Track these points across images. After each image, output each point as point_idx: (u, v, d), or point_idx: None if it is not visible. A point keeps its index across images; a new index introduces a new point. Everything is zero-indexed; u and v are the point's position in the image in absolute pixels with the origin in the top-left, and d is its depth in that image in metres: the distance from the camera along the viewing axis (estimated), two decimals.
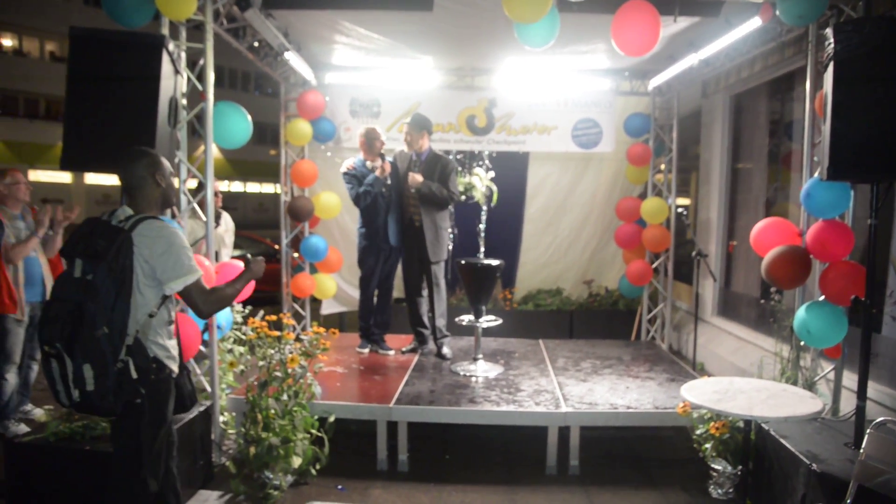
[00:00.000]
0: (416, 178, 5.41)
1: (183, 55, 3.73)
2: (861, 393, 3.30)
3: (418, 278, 5.78)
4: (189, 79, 3.93)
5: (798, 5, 3.70)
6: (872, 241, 3.28)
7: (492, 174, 5.64)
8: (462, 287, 7.39)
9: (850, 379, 4.13)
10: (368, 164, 5.57)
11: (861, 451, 2.78)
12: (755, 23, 4.41)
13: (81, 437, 3.51)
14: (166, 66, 3.32)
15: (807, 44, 4.27)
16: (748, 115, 6.54)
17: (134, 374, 2.57)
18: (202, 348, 4.18)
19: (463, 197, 5.62)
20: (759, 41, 4.96)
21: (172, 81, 3.46)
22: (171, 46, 3.36)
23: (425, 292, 5.83)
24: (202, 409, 3.97)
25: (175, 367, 2.78)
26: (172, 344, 2.78)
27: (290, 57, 5.48)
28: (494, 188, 5.70)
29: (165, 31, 3.74)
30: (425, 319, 5.90)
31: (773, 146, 6.20)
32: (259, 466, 3.79)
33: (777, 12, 3.84)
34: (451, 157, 5.86)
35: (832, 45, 3.14)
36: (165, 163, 2.80)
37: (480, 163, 5.93)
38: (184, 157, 4.04)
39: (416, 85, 6.76)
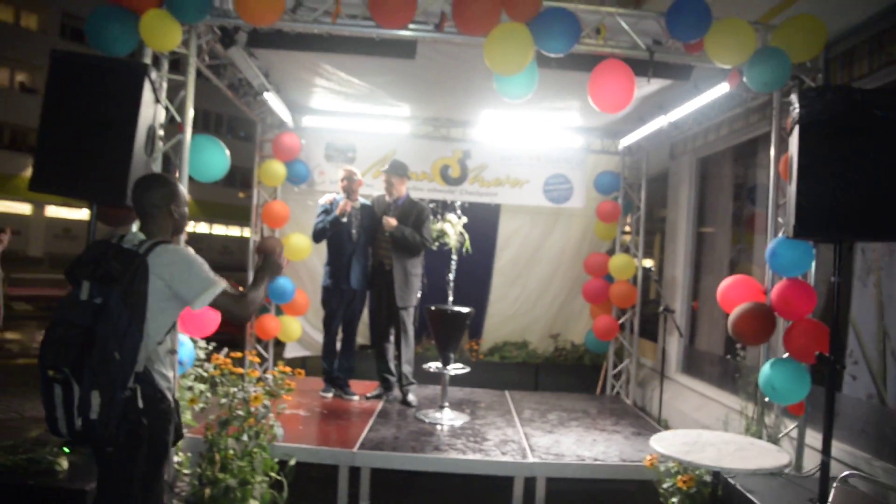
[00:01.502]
0: (391, 221, 5.43)
1: (164, 85, 3.73)
2: (826, 449, 3.32)
3: (386, 323, 5.72)
4: (168, 110, 3.92)
5: (764, 73, 3.87)
6: (836, 298, 3.37)
7: (464, 220, 5.68)
8: (429, 335, 7.34)
9: (811, 437, 4.18)
10: (342, 203, 5.59)
11: None
12: (723, 88, 4.61)
13: (25, 472, 3.32)
14: (147, 94, 3.29)
15: (771, 110, 4.46)
16: (713, 178, 6.76)
17: (140, 403, 2.49)
18: None
19: (436, 244, 5.64)
20: (725, 106, 5.18)
21: (152, 110, 3.43)
22: (153, 75, 3.35)
23: (392, 338, 5.77)
24: None
25: (171, 399, 2.68)
26: (171, 375, 2.69)
27: (269, 98, 5.52)
28: (466, 235, 5.74)
29: (148, 61, 3.75)
30: (391, 366, 5.82)
31: (736, 209, 6.40)
32: None
33: (744, 79, 4.02)
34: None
35: (797, 110, 3.28)
36: (182, 192, 2.79)
37: (454, 210, 5.98)
38: None
39: (392, 132, 6.86)
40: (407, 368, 5.72)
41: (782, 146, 4.26)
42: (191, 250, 2.68)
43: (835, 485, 2.79)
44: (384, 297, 5.60)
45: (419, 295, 5.85)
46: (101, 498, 2.60)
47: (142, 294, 2.47)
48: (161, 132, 3.86)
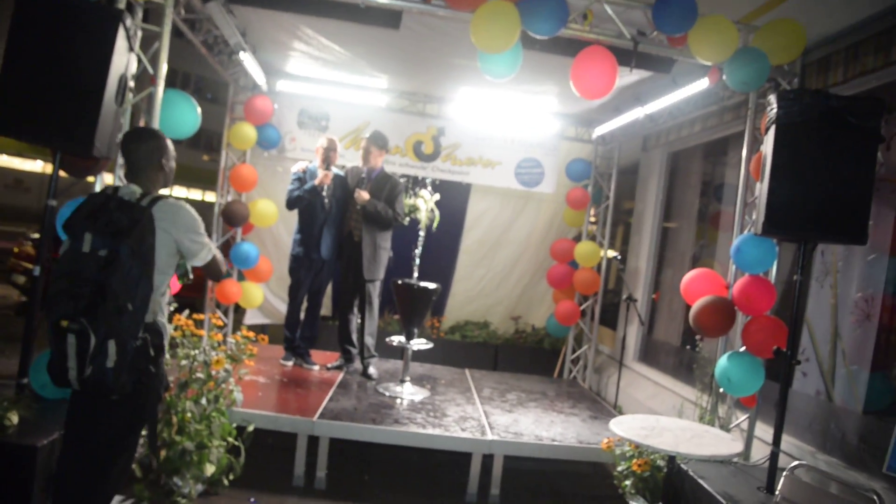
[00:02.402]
0: (363, 195, 5.38)
1: (139, 34, 3.59)
2: (776, 439, 3.44)
3: (351, 295, 5.69)
4: (140, 60, 3.78)
5: (743, 72, 3.92)
6: (797, 296, 3.46)
7: (437, 197, 5.65)
8: (392, 310, 7.33)
9: (761, 429, 4.32)
10: (319, 171, 5.51)
11: (776, 492, 2.89)
12: (702, 84, 4.66)
13: None
14: (121, 42, 3.16)
15: (746, 110, 4.54)
16: (682, 173, 6.86)
17: (151, 352, 2.57)
18: None
19: (407, 219, 5.60)
20: (701, 103, 5.25)
21: (125, 59, 3.29)
22: (128, 22, 3.22)
23: (356, 310, 5.74)
24: None
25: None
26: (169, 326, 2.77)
27: (245, 58, 5.36)
28: (437, 212, 5.72)
29: (121, 7, 3.60)
30: (354, 338, 5.80)
31: (702, 205, 6.52)
32: (169, 472, 3.58)
33: (724, 77, 4.07)
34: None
35: (775, 111, 3.34)
36: (171, 146, 2.83)
37: (426, 186, 5.95)
38: None
39: (367, 103, 6.75)
40: (369, 341, 5.70)
41: (755, 146, 4.35)
42: (192, 208, 2.71)
43: (784, 474, 2.89)
44: (351, 268, 5.56)
45: (385, 269, 5.82)
46: (101, 445, 2.60)
47: (151, 247, 2.53)
48: (132, 83, 3.73)
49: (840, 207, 3.21)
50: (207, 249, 2.72)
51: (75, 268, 2.44)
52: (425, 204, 5.53)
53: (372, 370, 5.65)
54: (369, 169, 5.60)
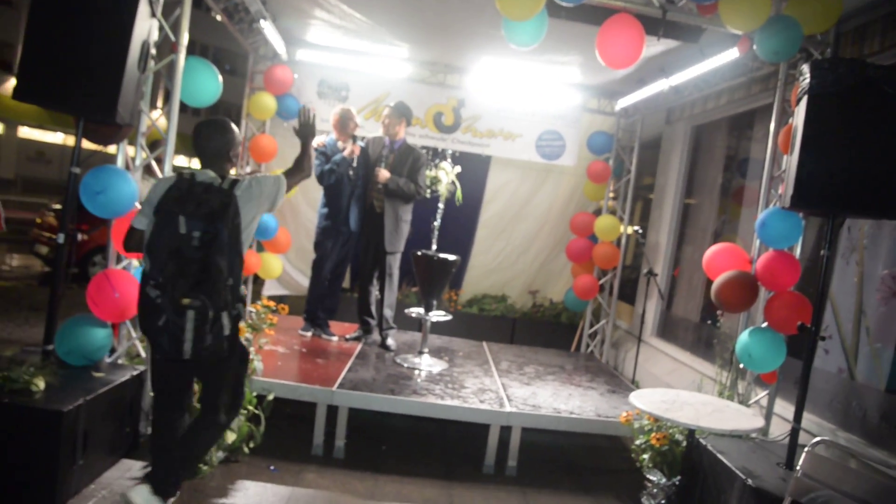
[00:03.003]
0: (384, 173, 5.37)
1: (161, 1, 3.56)
2: (798, 415, 3.42)
3: (372, 267, 5.70)
4: (162, 27, 3.75)
5: (775, 42, 3.82)
6: (823, 272, 3.41)
7: (458, 169, 5.60)
8: (410, 283, 7.34)
9: (780, 406, 4.30)
10: (339, 144, 5.48)
11: (797, 468, 2.87)
12: (732, 54, 4.55)
13: (0, 390, 3.27)
14: (143, 7, 3.15)
15: (776, 81, 4.43)
16: (706, 147, 6.75)
17: (242, 321, 3.01)
18: None
19: (428, 192, 5.57)
20: (728, 75, 5.13)
21: (147, 25, 3.28)
22: None
23: (376, 281, 5.76)
24: (135, 373, 3.77)
25: None
26: None
27: (265, 26, 5.32)
28: (458, 185, 5.67)
29: None
30: (373, 309, 5.82)
31: (725, 180, 6.42)
32: None
33: (754, 46, 3.97)
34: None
35: (807, 81, 3.25)
36: (239, 135, 3.11)
37: (447, 158, 5.90)
38: (146, 109, 3.85)
39: (387, 74, 6.69)
40: (388, 313, 5.72)
41: (784, 118, 4.25)
42: (258, 175, 3.08)
43: (805, 450, 2.86)
44: (372, 240, 5.56)
45: (405, 241, 5.81)
46: (221, 400, 3.03)
47: (238, 226, 2.84)
48: (154, 51, 3.71)
49: (871, 181, 3.13)
50: (283, 185, 3.10)
51: (176, 249, 2.70)
52: (447, 176, 5.48)
53: (390, 341, 5.68)
54: (391, 140, 5.56)
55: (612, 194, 7.27)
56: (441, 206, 5.67)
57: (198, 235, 2.71)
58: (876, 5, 3.89)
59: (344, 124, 5.50)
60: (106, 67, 3.07)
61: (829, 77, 3.15)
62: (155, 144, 4.17)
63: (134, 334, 4.18)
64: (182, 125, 4.09)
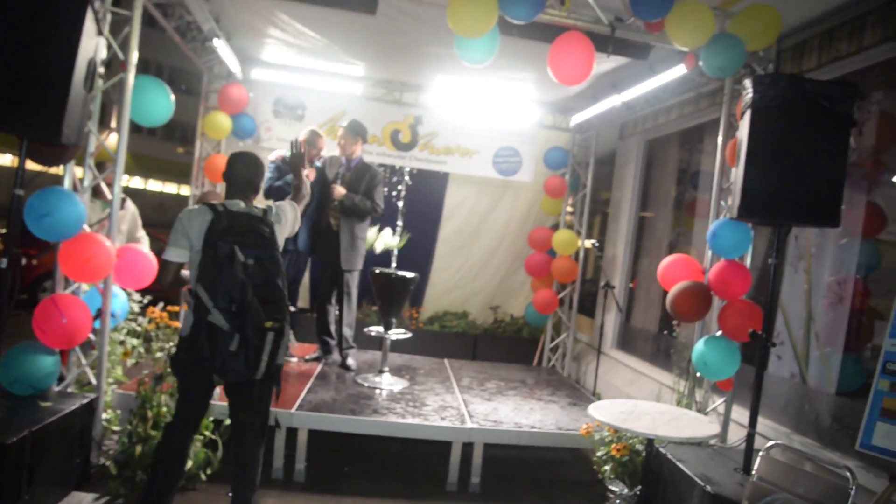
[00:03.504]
0: (339, 190, 5.34)
1: (108, 18, 3.49)
2: (752, 421, 3.49)
3: (329, 286, 5.65)
4: (110, 46, 3.69)
5: (719, 58, 3.94)
6: (772, 280, 3.50)
7: (397, 240, 5.56)
8: (370, 301, 7.29)
9: (737, 412, 4.37)
10: None
11: (752, 472, 2.93)
12: (678, 70, 4.68)
13: None
14: (89, 24, 3.07)
15: (722, 96, 4.57)
16: (659, 161, 6.90)
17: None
18: (91, 336, 3.85)
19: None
20: (677, 90, 5.27)
21: (94, 43, 3.20)
22: (96, 4, 3.13)
23: (334, 301, 5.71)
24: (85, 401, 3.64)
25: None
26: None
27: (219, 45, 5.28)
28: (395, 248, 5.65)
29: None
30: (332, 329, 5.75)
31: (678, 193, 6.57)
32: (144, 467, 3.52)
33: (700, 63, 4.09)
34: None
35: (750, 95, 3.36)
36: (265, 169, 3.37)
37: (397, 224, 5.91)
38: (94, 129, 3.76)
39: (343, 92, 6.68)
40: (348, 332, 5.67)
41: (731, 131, 4.38)
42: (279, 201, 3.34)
43: (760, 454, 2.92)
44: (329, 259, 5.51)
45: (363, 259, 5.78)
46: (261, 420, 3.17)
47: (279, 250, 3.09)
48: (101, 69, 3.64)
49: (813, 191, 3.24)
50: (298, 211, 3.39)
51: (240, 278, 2.87)
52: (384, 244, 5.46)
53: (350, 361, 5.62)
54: (348, 158, 5.55)
55: (570, 209, 7.37)
56: (400, 223, 5.67)
57: (252, 263, 2.91)
58: (813, 23, 4.06)
59: (308, 147, 5.43)
60: (50, 86, 2.98)
61: (771, 91, 3.27)
62: (101, 165, 4.08)
63: (84, 361, 4.04)
64: (138, 146, 4.02)
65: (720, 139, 4.47)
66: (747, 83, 3.38)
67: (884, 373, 2.80)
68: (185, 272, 3.16)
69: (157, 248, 10.91)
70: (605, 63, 4.83)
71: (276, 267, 3.00)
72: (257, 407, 3.15)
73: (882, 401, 2.76)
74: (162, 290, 4.95)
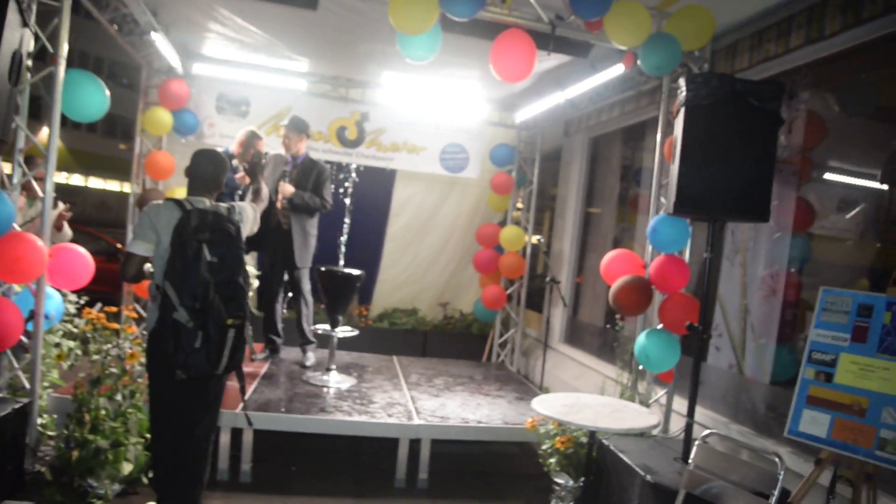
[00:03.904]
0: (288, 189, 5.28)
1: (34, 8, 3.36)
2: (690, 411, 3.59)
3: (279, 285, 5.58)
4: (38, 37, 3.55)
5: (656, 57, 4.03)
6: (707, 273, 3.62)
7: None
8: (317, 300, 7.22)
9: (678, 403, 4.49)
10: (235, 162, 5.32)
11: (689, 461, 3.02)
12: (618, 69, 4.77)
13: None
14: (12, 15, 2.95)
15: (660, 95, 4.68)
16: (603, 158, 7.03)
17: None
18: (24, 339, 3.71)
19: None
20: (618, 88, 5.37)
21: (18, 35, 3.08)
22: None
23: (281, 299, 5.65)
24: (17, 406, 3.52)
25: None
26: None
27: (157, 39, 5.13)
28: None
29: None
30: (279, 328, 5.69)
31: (622, 189, 6.70)
32: (82, 472, 3.41)
33: (638, 61, 4.18)
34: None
35: (684, 93, 3.46)
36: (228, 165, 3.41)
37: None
38: (22, 124, 3.62)
39: (288, 88, 6.58)
40: (306, 327, 5.63)
41: (668, 129, 4.49)
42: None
43: (696, 443, 3.02)
44: (279, 257, 5.44)
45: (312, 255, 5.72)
46: (211, 416, 3.22)
47: (242, 248, 3.15)
48: (29, 62, 3.50)
49: (744, 187, 3.36)
50: (257, 211, 3.48)
51: (206, 276, 2.91)
52: None
53: (310, 355, 5.58)
54: (293, 156, 5.48)
55: (520, 205, 7.44)
56: (347, 220, 5.63)
57: (216, 261, 2.96)
58: (744, 25, 4.20)
59: (245, 148, 5.32)
60: None
61: (703, 90, 3.37)
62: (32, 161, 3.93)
63: (16, 364, 3.89)
64: (77, 142, 3.88)
65: (658, 136, 4.58)
66: (681, 82, 3.48)
67: (809, 362, 2.92)
68: (149, 266, 3.15)
69: (101, 247, 10.59)
70: (547, 61, 4.89)
71: (239, 265, 3.07)
72: (212, 402, 3.20)
73: (808, 388, 2.88)
74: (99, 289, 4.85)
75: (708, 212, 3.46)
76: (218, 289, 2.95)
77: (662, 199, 4.57)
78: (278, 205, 5.41)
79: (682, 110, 3.45)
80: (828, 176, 4.28)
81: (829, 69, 3.95)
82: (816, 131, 4.10)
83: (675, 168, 3.47)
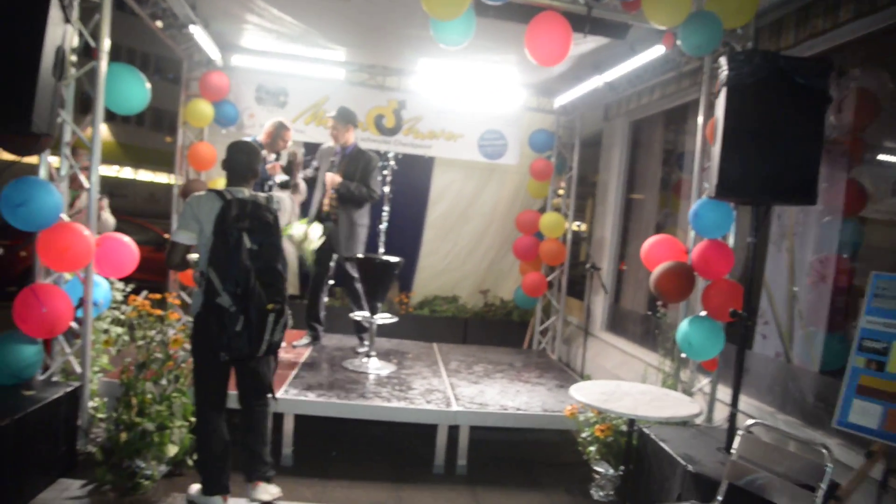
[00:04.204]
0: (335, 179, 5.33)
1: (75, 5, 3.44)
2: (734, 400, 3.50)
3: (324, 274, 5.66)
4: (81, 33, 3.64)
5: (696, 36, 3.91)
6: (751, 258, 3.50)
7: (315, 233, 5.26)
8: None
9: (723, 392, 4.38)
10: (264, 153, 5.38)
11: (733, 451, 2.94)
12: (658, 50, 4.65)
13: None
14: (55, 12, 3.03)
15: (702, 75, 4.54)
16: (645, 142, 6.88)
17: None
18: (74, 325, 3.84)
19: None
20: (659, 70, 5.24)
21: (61, 30, 3.16)
22: None
23: (326, 289, 5.74)
24: (69, 390, 3.66)
25: None
26: None
27: (196, 31, 5.22)
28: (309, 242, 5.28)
29: None
30: (322, 316, 5.77)
31: (665, 173, 6.55)
32: (130, 454, 3.52)
33: (678, 41, 4.06)
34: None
35: (725, 73, 3.34)
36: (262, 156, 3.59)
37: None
38: (68, 117, 3.72)
39: (326, 77, 6.62)
40: (359, 316, 5.69)
41: (710, 111, 4.35)
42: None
43: (740, 433, 2.94)
44: (325, 246, 5.51)
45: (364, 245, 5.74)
46: (260, 393, 3.50)
47: (280, 236, 3.33)
48: (74, 58, 3.59)
49: (790, 169, 3.23)
50: (293, 203, 3.84)
51: (248, 263, 3.10)
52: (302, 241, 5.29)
53: (366, 343, 5.65)
54: (342, 146, 5.53)
55: (561, 191, 7.33)
56: (386, 208, 5.64)
57: (256, 248, 3.15)
58: (789, 1, 4.02)
59: (274, 139, 5.38)
60: (17, 77, 2.95)
61: (745, 68, 3.25)
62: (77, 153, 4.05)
63: (68, 350, 4.03)
64: (126, 136, 4.00)
65: (700, 118, 4.45)
66: (722, 61, 3.35)
67: (860, 350, 2.81)
68: (193, 255, 3.36)
69: (149, 237, 10.90)
70: (584, 44, 4.79)
71: (278, 252, 3.25)
72: (260, 375, 3.46)
73: (858, 378, 2.78)
74: (147, 278, 4.98)
75: (751, 195, 3.34)
76: (258, 275, 3.13)
77: (705, 184, 4.44)
78: (326, 196, 5.47)
79: (724, 90, 3.33)
80: (882, 157, 4.09)
81: (882, 44, 3.75)
82: (868, 110, 3.92)
83: (716, 150, 3.36)
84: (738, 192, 3.35)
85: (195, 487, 3.51)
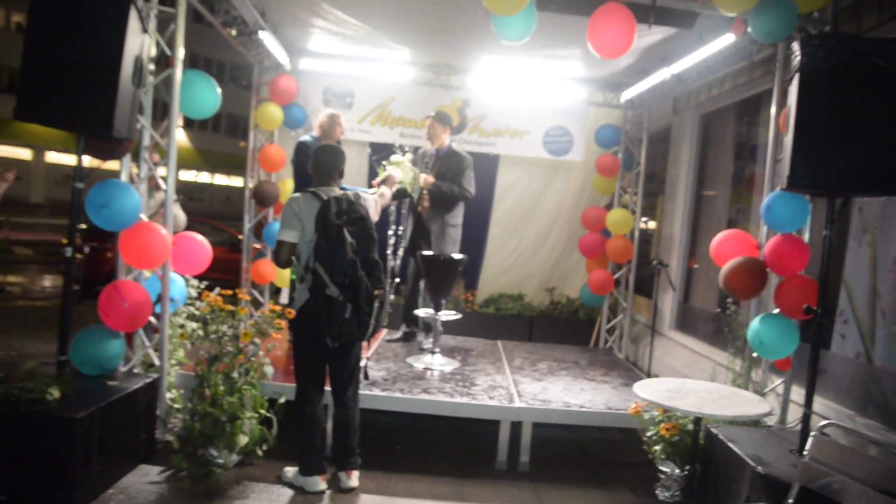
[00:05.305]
0: (428, 179, 5.43)
1: (153, 15, 3.64)
2: (808, 401, 3.35)
3: (417, 274, 5.81)
4: (158, 43, 3.84)
5: (769, 22, 3.77)
6: (826, 253, 3.34)
7: (409, 156, 5.31)
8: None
9: (797, 393, 4.21)
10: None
11: (805, 453, 2.82)
12: (728, 38, 4.50)
13: (17, 400, 3.30)
14: (133, 23, 3.22)
15: (775, 63, 4.36)
16: (716, 135, 6.67)
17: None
18: (152, 320, 4.05)
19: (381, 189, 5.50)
20: (730, 59, 5.06)
21: (139, 41, 3.35)
22: (139, 3, 3.27)
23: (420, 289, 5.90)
24: (148, 381, 3.86)
25: None
26: None
27: (265, 37, 5.41)
28: (415, 172, 5.36)
29: None
30: (418, 318, 5.88)
31: (737, 167, 6.32)
32: (203, 442, 3.69)
33: (749, 28, 3.92)
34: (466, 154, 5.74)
35: (798, 58, 3.19)
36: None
37: (395, 149, 5.76)
38: (147, 123, 3.93)
39: (391, 78, 6.74)
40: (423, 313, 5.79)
41: (784, 101, 4.17)
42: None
43: (812, 433, 2.81)
44: (420, 246, 5.62)
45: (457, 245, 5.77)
46: (352, 378, 3.78)
47: (374, 229, 3.61)
48: (151, 66, 3.79)
49: (870, 158, 3.06)
50: (377, 204, 3.91)
51: (352, 256, 3.37)
52: (399, 168, 5.21)
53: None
54: (437, 148, 5.63)
55: (634, 189, 7.18)
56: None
57: (355, 241, 3.42)
58: None
59: (330, 128, 5.42)
60: (100, 84, 3.15)
61: (821, 53, 3.10)
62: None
63: (147, 343, 4.26)
64: (203, 142, 4.19)
65: (773, 108, 4.28)
66: (795, 46, 3.21)
67: None
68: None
69: (224, 238, 11.31)
70: (649, 35, 4.69)
71: (373, 243, 3.53)
72: (355, 365, 3.77)
73: None
74: (222, 277, 5.18)
75: (826, 186, 3.18)
76: (364, 266, 3.42)
77: (778, 176, 4.27)
78: (422, 197, 5.58)
79: (797, 76, 3.19)
80: None
81: None
82: None
83: (788, 140, 3.22)
84: (811, 183, 3.19)
85: (291, 470, 3.77)
